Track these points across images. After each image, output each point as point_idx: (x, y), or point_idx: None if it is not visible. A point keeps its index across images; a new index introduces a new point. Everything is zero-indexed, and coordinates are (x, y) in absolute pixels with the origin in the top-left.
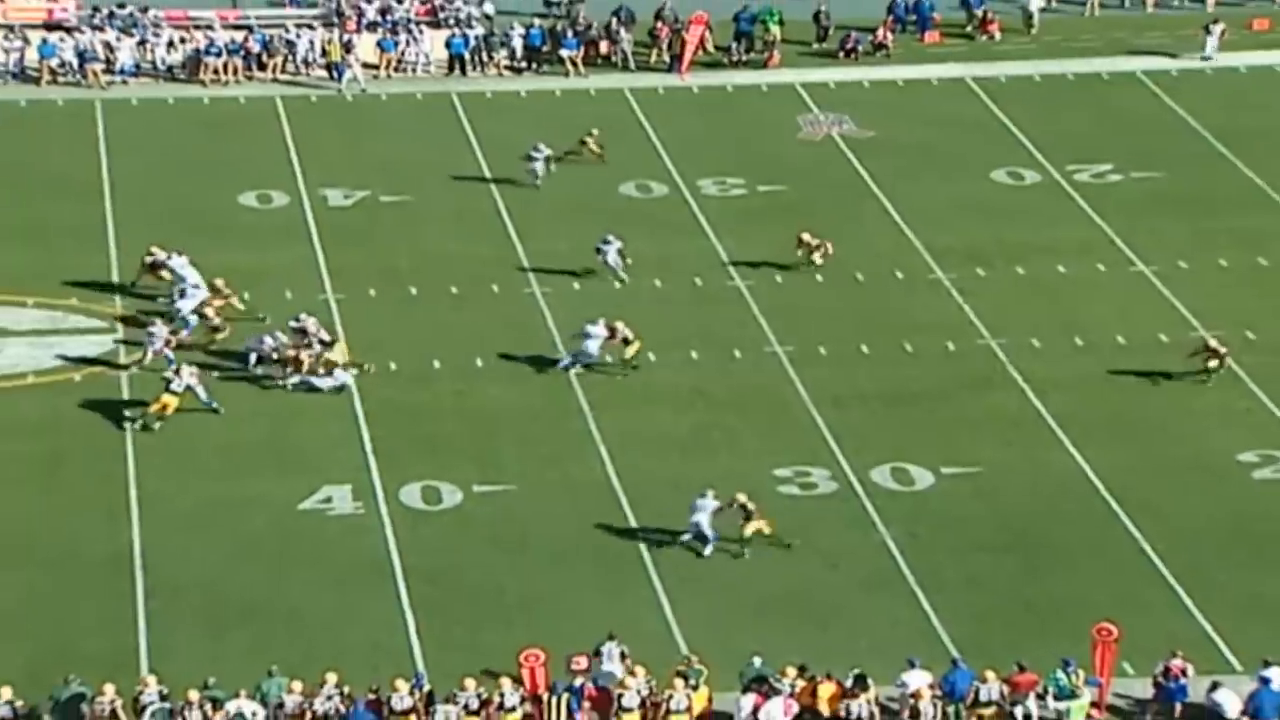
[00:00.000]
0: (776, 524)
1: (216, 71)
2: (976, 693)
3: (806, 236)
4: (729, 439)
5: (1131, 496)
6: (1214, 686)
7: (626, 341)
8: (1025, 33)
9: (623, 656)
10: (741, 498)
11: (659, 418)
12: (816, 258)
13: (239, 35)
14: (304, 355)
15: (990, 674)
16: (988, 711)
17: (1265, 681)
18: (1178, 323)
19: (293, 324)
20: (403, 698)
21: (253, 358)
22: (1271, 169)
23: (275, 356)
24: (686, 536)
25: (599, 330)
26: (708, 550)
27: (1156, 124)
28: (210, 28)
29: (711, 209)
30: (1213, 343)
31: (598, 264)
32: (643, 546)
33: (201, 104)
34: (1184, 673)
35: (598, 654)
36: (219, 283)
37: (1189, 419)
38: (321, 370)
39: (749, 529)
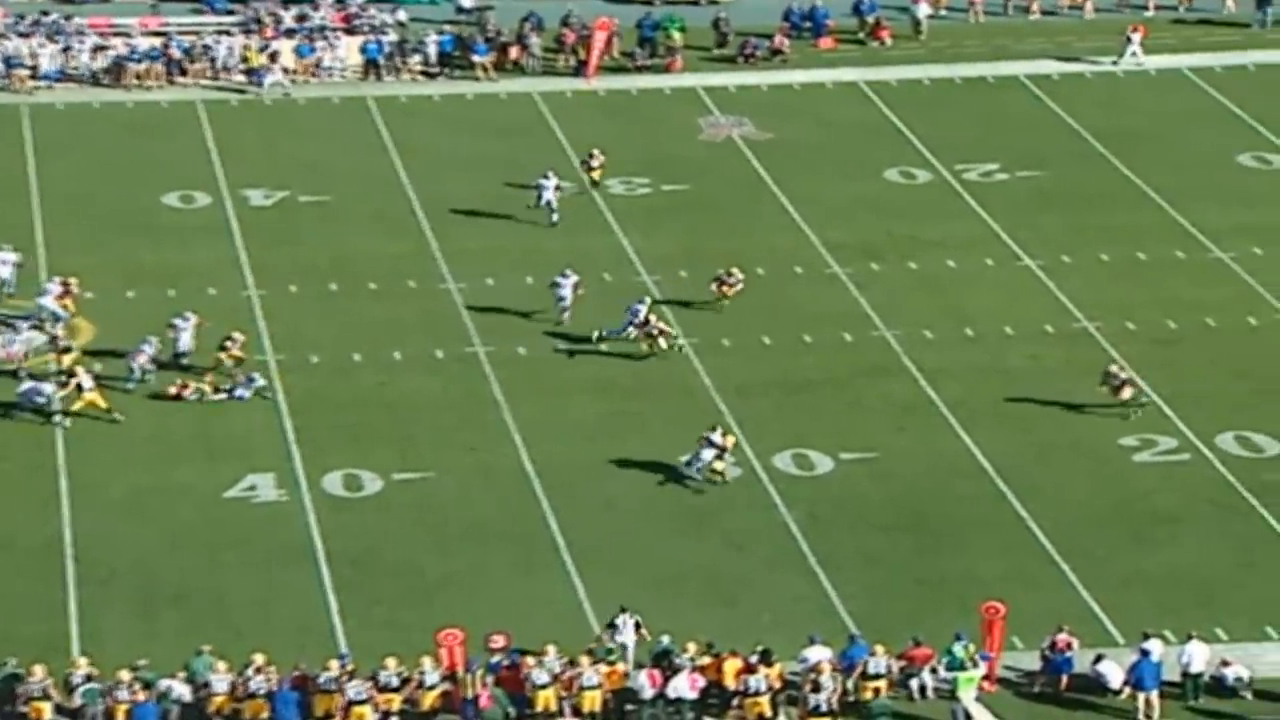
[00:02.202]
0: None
1: (139, 76)
2: (865, 665)
3: (735, 272)
4: (637, 426)
5: (1019, 478)
6: (1098, 659)
7: (650, 336)
8: (914, 39)
9: (637, 627)
10: (731, 441)
11: (571, 406)
12: (724, 289)
13: (160, 41)
14: (226, 356)
15: (880, 648)
16: (879, 684)
17: (1145, 653)
18: (1061, 314)
19: (180, 323)
20: (329, 676)
21: (136, 369)
22: (1147, 167)
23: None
24: (694, 468)
25: (639, 310)
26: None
27: (1039, 125)
28: (128, 35)
29: (618, 207)
30: (1113, 368)
31: (550, 295)
32: (556, 529)
33: (125, 108)
34: (1069, 646)
35: (611, 626)
36: (71, 282)
37: (1074, 405)
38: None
39: (718, 464)
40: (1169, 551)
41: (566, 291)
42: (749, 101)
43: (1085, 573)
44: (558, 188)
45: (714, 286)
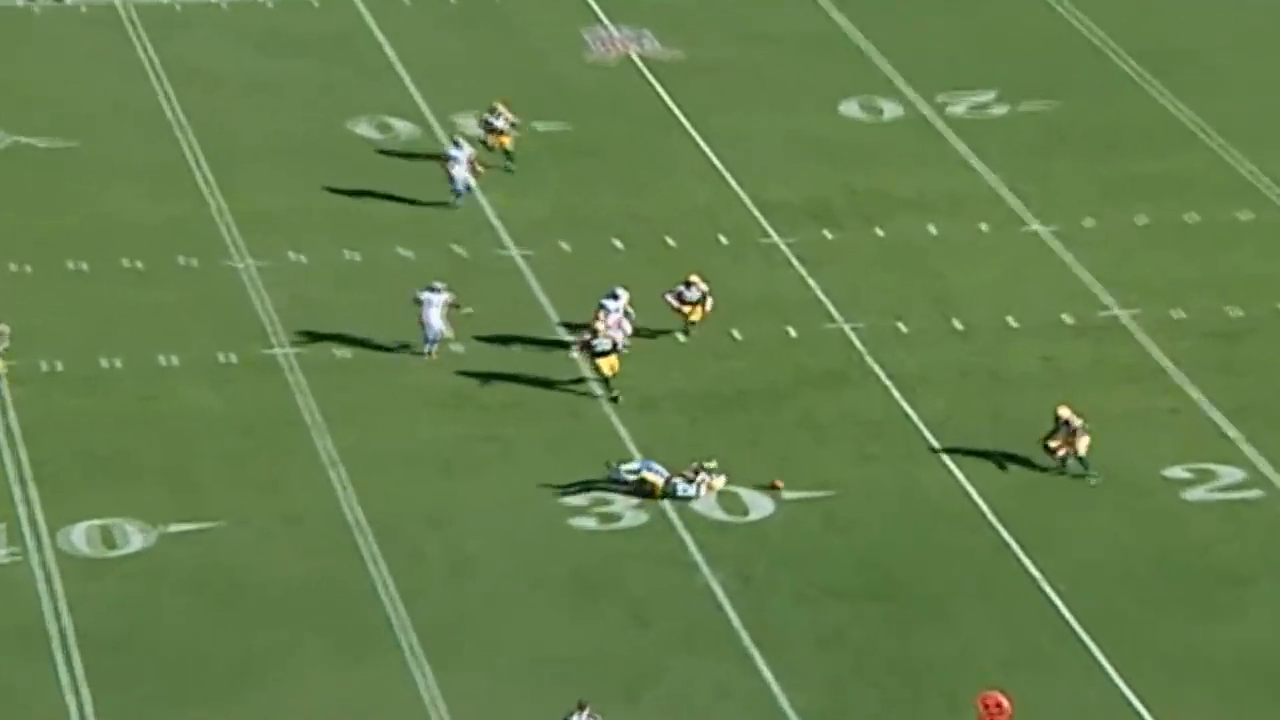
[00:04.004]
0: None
1: None
2: None
3: (696, 282)
4: (504, 457)
5: (1028, 524)
6: None
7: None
8: None
9: None
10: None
11: (412, 429)
12: (686, 309)
13: None
14: None
15: None
16: None
17: None
18: (1083, 299)
19: None
20: None
21: None
22: (1198, 96)
23: None
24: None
25: (609, 309)
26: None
27: (1051, 40)
28: None
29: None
30: (1064, 412)
31: (417, 320)
32: (392, 598)
33: None
34: None
35: None
36: None
37: (1100, 424)
38: None
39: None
40: (1234, 624)
41: (434, 315)
42: (652, 8)
43: (1121, 653)
44: (479, 166)
45: (673, 302)
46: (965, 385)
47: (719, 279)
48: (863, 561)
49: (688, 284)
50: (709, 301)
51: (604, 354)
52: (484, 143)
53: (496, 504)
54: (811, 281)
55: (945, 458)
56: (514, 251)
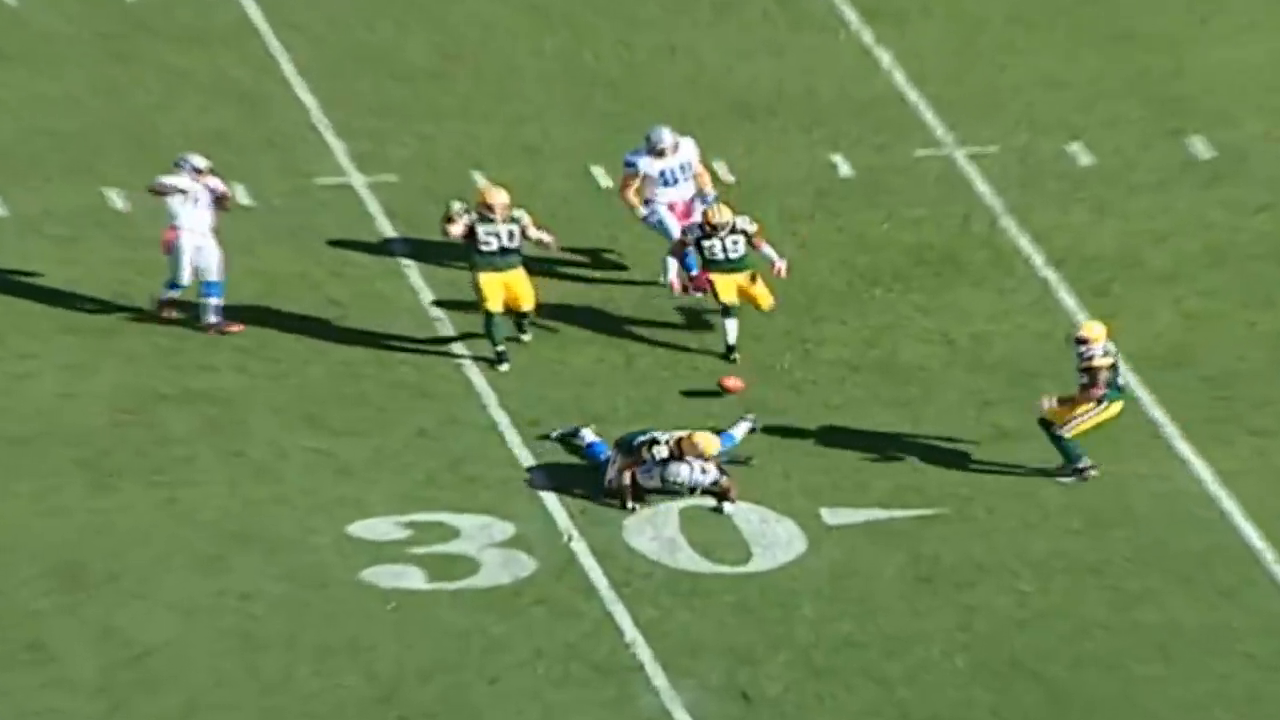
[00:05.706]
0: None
1: None
2: None
3: (725, 215)
4: (223, 440)
5: None
6: None
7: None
8: None
9: None
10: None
11: (32, 391)
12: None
13: None
14: None
15: None
16: None
17: None
18: None
19: None
20: None
21: None
22: None
23: None
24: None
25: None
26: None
27: None
28: None
29: None
30: (1087, 331)
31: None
32: None
33: None
34: None
35: None
36: None
37: None
38: None
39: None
40: None
41: (196, 226)
42: None
43: None
44: None
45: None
46: (1217, 278)
47: (692, 59)
48: (1001, 659)
49: (707, 228)
50: (772, 262)
51: (499, 265)
52: None
53: (205, 542)
54: (885, 57)
55: (1174, 441)
56: (257, 14)
